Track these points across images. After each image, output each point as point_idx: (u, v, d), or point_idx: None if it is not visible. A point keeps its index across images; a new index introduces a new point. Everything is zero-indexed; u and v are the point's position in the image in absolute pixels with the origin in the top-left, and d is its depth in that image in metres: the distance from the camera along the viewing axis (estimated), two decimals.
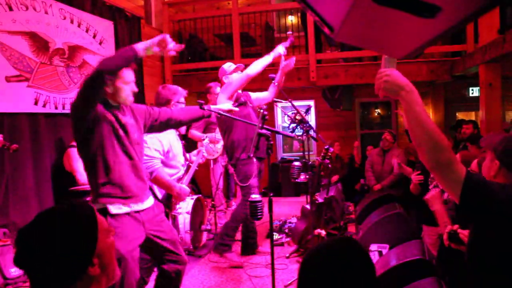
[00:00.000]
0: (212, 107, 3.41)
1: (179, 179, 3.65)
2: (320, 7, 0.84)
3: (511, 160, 1.76)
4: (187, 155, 4.14)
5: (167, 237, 2.92)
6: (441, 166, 1.51)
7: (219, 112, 3.44)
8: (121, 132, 2.73)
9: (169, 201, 3.56)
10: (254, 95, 4.84)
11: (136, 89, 2.82)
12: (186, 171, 3.88)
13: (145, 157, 3.24)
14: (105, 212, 2.58)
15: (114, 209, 2.62)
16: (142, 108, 2.94)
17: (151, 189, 3.40)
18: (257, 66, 4.39)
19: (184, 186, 3.51)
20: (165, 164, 3.49)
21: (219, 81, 4.92)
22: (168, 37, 2.59)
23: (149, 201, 2.85)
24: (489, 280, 1.58)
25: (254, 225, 4.85)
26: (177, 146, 3.60)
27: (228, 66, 4.66)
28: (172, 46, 2.62)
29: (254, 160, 4.26)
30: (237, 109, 3.56)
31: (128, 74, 2.78)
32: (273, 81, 4.43)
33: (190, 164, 4.07)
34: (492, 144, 1.92)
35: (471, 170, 2.69)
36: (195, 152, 4.48)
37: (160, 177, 3.37)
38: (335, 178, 7.44)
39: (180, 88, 3.71)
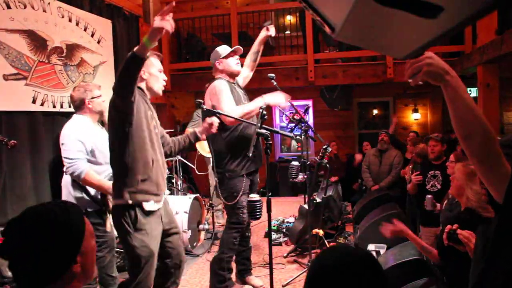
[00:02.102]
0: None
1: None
2: (321, 6, 0.84)
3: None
4: None
5: (177, 230, 3.02)
6: (492, 158, 1.38)
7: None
8: (157, 129, 2.86)
9: (104, 199, 3.43)
10: (240, 80, 4.05)
11: (166, 78, 2.90)
12: None
13: (68, 161, 3.23)
14: (134, 208, 2.66)
15: (148, 206, 2.70)
16: None
17: (86, 189, 3.36)
18: (245, 112, 3.54)
19: None
20: (93, 162, 3.37)
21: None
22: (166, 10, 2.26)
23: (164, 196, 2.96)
24: None
25: (248, 251, 4.12)
26: (106, 142, 3.42)
27: (224, 48, 3.84)
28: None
29: (244, 176, 3.66)
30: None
31: (159, 63, 2.85)
32: (271, 79, 4.25)
33: None
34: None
35: None
36: None
37: (89, 178, 3.26)
38: (333, 178, 7.45)
39: (91, 84, 3.61)
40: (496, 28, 5.24)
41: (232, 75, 3.80)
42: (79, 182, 3.34)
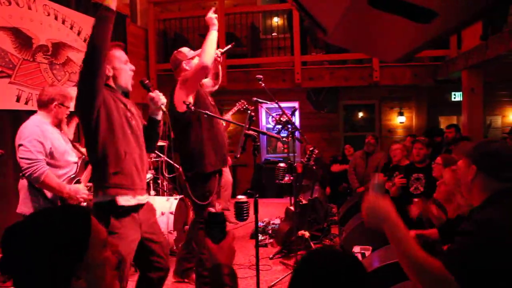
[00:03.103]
0: None
1: (72, 179, 3.37)
2: (314, 9, 0.84)
3: (487, 163, 1.75)
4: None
5: (159, 240, 2.79)
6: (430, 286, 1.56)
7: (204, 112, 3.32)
8: (132, 121, 2.66)
9: (63, 203, 3.27)
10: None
11: (133, 67, 2.75)
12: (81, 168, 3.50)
13: (28, 161, 3.09)
14: (110, 206, 2.49)
15: (123, 201, 2.51)
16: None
17: (42, 192, 3.21)
18: (210, 50, 3.58)
19: (76, 185, 3.28)
20: (52, 165, 3.22)
21: None
22: None
23: (145, 196, 2.73)
24: None
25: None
26: (62, 145, 3.29)
27: (187, 50, 3.78)
28: None
29: (217, 175, 3.56)
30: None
31: (121, 53, 2.72)
32: (259, 81, 4.25)
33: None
34: (465, 151, 1.93)
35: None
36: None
37: (48, 180, 3.10)
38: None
39: (73, 94, 3.47)
40: (481, 34, 5.32)
41: None
42: (35, 186, 3.18)
